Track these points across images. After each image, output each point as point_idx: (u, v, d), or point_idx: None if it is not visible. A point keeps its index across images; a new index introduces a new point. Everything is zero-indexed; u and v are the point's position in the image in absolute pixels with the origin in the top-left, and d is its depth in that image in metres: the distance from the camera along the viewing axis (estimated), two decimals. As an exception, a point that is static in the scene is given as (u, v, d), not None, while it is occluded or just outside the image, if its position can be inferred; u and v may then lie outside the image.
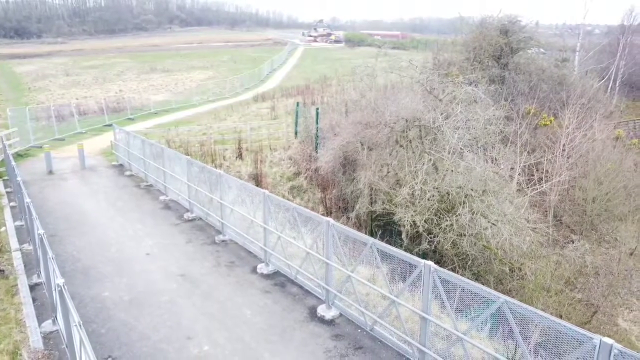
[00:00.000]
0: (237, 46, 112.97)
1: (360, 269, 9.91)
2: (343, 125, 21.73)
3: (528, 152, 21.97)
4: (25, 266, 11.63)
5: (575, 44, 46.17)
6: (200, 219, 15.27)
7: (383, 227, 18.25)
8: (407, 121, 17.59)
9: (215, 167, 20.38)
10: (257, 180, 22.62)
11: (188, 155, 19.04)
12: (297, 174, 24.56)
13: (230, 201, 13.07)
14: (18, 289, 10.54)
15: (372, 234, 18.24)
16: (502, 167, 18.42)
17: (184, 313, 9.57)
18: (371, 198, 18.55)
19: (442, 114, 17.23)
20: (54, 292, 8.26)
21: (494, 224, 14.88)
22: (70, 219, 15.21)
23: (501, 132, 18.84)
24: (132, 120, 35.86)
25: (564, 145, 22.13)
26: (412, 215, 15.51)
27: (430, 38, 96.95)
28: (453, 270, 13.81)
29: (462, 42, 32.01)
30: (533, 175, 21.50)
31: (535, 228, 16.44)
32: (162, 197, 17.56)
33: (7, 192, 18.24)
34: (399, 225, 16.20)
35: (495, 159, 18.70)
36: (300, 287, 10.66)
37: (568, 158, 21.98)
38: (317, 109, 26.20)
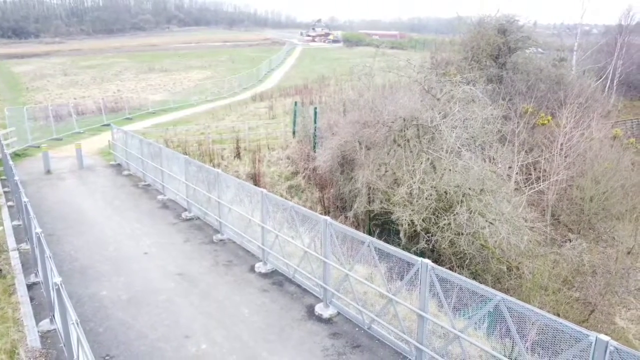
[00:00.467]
0: (235, 46, 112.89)
1: (358, 267, 9.93)
2: (341, 125, 21.76)
3: (526, 151, 22.04)
4: (22, 265, 11.60)
5: (572, 44, 46.26)
6: (198, 218, 15.26)
7: (381, 226, 18.27)
8: (405, 120, 17.62)
9: (214, 166, 20.34)
10: (255, 179, 22.62)
11: (186, 154, 19.04)
12: (295, 173, 24.58)
13: (228, 200, 13.07)
14: (15, 288, 10.52)
15: (370, 233, 18.25)
16: (499, 166, 18.46)
17: (182, 312, 9.57)
18: (369, 197, 18.57)
19: (439, 113, 17.26)
20: (51, 291, 8.25)
21: (491, 223, 14.91)
22: (68, 218, 15.19)
23: (499, 131, 18.91)
24: (130, 120, 35.81)
25: (561, 144, 22.18)
26: (409, 214, 15.54)
27: (428, 38, 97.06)
28: (451, 269, 13.81)
29: (460, 41, 32.09)
30: (531, 174, 21.56)
31: (532, 227, 16.49)
32: (160, 197, 17.55)
33: (4, 192, 18.20)
34: (397, 225, 16.23)
35: (493, 158, 18.74)
36: (298, 285, 10.67)
37: (566, 157, 22.04)
38: (315, 108, 26.22)
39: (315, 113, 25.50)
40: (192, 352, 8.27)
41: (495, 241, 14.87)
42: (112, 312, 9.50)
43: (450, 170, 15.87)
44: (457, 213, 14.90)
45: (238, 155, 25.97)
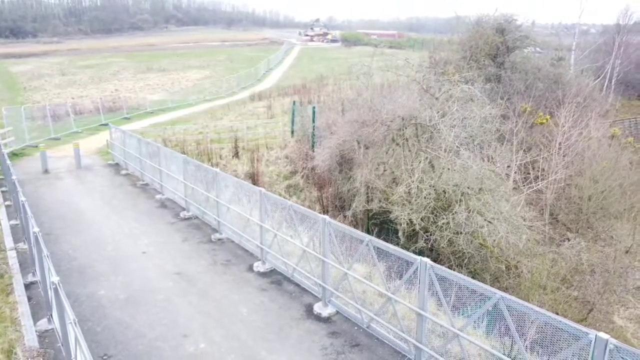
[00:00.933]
0: (233, 46, 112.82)
1: (356, 266, 9.90)
2: (339, 124, 21.73)
3: (524, 150, 22.04)
4: (20, 265, 11.57)
5: (570, 43, 46.34)
6: (197, 217, 15.23)
7: (379, 225, 18.24)
8: (403, 119, 17.60)
9: (212, 166, 20.29)
10: (254, 179, 22.59)
11: (184, 154, 18.99)
12: (294, 172, 24.55)
13: (226, 200, 13.04)
14: (13, 288, 10.48)
15: (368, 232, 18.22)
16: (498, 165, 18.44)
17: (180, 311, 9.54)
18: (368, 196, 18.54)
19: (438, 112, 17.23)
20: (49, 290, 8.22)
21: (490, 222, 14.90)
22: (65, 217, 15.15)
23: (497, 130, 18.88)
24: (128, 120, 35.76)
25: (560, 143, 22.19)
26: (408, 213, 15.52)
27: (426, 37, 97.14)
28: (449, 268, 13.78)
29: (458, 41, 32.05)
30: (529, 173, 21.56)
31: (531, 226, 16.49)
32: (158, 196, 17.51)
33: (2, 191, 18.15)
34: (396, 224, 16.20)
35: (492, 157, 18.72)
36: (297, 285, 10.65)
37: (564, 156, 22.05)
38: (314, 107, 26.19)
39: (314, 112, 25.47)
40: (191, 351, 8.24)
41: (494, 240, 14.86)
42: (110, 312, 9.46)
43: (448, 169, 15.84)
44: (455, 212, 14.88)
45: (236, 155, 25.93)
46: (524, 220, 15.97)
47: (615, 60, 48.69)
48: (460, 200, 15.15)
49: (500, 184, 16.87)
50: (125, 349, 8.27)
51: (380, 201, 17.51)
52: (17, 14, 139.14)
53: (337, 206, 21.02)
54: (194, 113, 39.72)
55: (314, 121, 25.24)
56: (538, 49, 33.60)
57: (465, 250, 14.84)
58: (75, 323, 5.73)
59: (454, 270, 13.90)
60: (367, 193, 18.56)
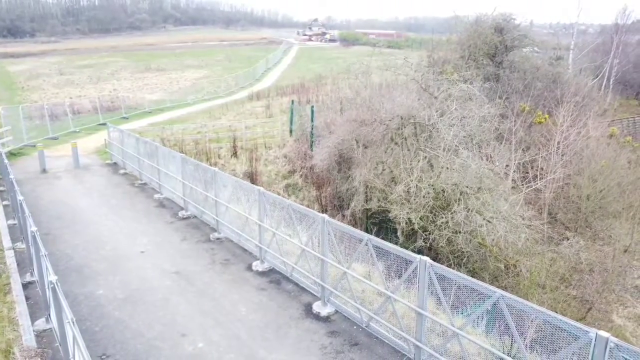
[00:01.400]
0: (232, 45, 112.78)
1: (355, 265, 9.88)
2: (338, 123, 21.72)
3: (523, 149, 22.05)
4: (18, 265, 11.52)
5: (569, 43, 46.42)
6: (195, 217, 15.19)
7: (378, 224, 18.23)
8: (402, 119, 17.59)
9: (210, 165, 20.26)
10: (252, 178, 22.56)
11: (183, 153, 18.94)
12: (292, 172, 24.52)
13: (225, 199, 13.00)
14: (11, 288, 10.44)
15: (367, 231, 18.15)
16: (497, 164, 18.45)
17: (179, 310, 9.51)
18: (366, 196, 18.53)
19: (437, 111, 17.23)
20: (47, 289, 8.18)
21: (489, 221, 14.90)
22: (63, 217, 15.10)
23: (496, 129, 18.90)
24: (126, 119, 35.68)
25: (558, 142, 22.21)
26: (407, 212, 15.51)
27: (425, 37, 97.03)
28: (448, 267, 13.81)
29: (457, 40, 32.05)
30: (528, 172, 21.57)
31: (530, 225, 16.48)
32: (156, 196, 17.47)
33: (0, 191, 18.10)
34: (395, 223, 16.20)
35: (490, 156, 18.74)
36: (296, 284, 10.62)
37: (562, 155, 22.06)
38: (312, 107, 26.17)
39: (312, 112, 25.44)
40: (189, 350, 8.22)
41: (493, 239, 14.86)
42: (108, 311, 9.43)
43: (447, 168, 15.84)
44: (454, 211, 14.88)
45: (235, 154, 25.89)
46: (523, 219, 15.96)
47: (614, 59, 48.79)
48: (459, 200, 15.15)
49: (499, 183, 16.88)
50: (124, 348, 8.24)
51: (379, 200, 17.50)
52: (15, 14, 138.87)
53: (336, 205, 21.01)
54: (192, 113, 39.65)
55: (312, 120, 25.22)
56: (536, 48, 33.64)
57: (464, 250, 14.84)
58: (73, 322, 5.69)
59: (453, 269, 13.90)
60: (366, 192, 18.55)
